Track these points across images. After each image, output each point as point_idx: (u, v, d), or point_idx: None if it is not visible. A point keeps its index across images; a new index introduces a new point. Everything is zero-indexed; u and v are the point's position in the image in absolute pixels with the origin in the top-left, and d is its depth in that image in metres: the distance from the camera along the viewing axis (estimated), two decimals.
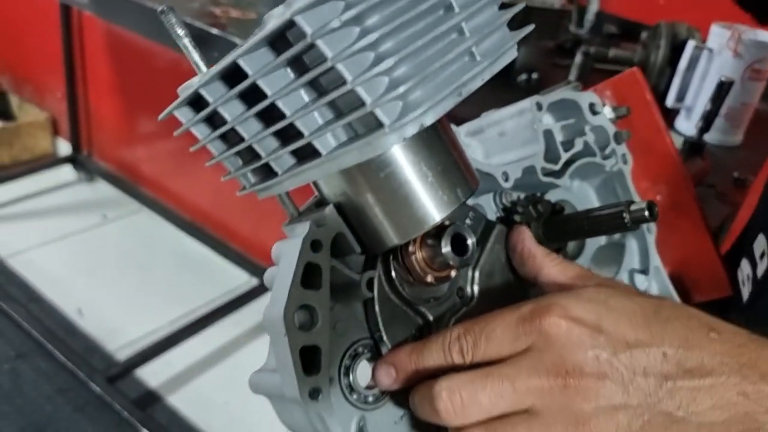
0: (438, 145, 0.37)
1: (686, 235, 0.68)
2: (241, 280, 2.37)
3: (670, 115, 1.23)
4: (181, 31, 0.37)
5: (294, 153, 0.36)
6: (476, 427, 0.37)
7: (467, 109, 0.52)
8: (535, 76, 1.21)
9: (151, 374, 1.99)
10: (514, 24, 0.36)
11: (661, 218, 0.71)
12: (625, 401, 0.36)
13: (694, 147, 0.86)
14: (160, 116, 0.40)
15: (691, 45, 1.20)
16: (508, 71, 0.54)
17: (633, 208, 0.45)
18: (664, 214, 0.71)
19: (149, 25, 1.41)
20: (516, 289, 0.47)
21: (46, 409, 1.84)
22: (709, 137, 1.03)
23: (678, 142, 0.88)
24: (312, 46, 0.30)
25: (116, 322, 2.16)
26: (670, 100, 1.22)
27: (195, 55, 0.38)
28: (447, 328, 0.41)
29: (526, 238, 0.46)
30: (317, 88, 0.33)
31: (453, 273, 0.43)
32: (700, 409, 0.35)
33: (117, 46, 2.62)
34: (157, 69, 2.37)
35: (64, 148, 2.99)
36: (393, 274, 0.42)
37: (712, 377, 0.35)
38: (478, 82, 0.34)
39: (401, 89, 0.30)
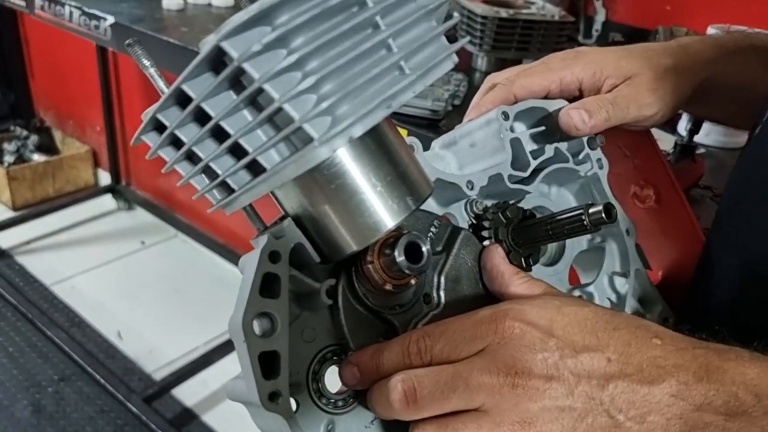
0: (386, 156, 0.39)
1: (677, 237, 0.68)
2: None
3: (672, 119, 1.20)
4: (146, 62, 0.41)
5: (249, 170, 0.39)
6: (429, 423, 0.39)
7: None
8: None
9: (188, 393, 2.04)
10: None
11: (652, 221, 0.71)
12: (570, 404, 0.37)
13: (684, 149, 0.86)
14: (132, 141, 0.43)
15: None
16: None
17: (591, 210, 0.45)
18: (655, 218, 0.71)
19: (171, 59, 1.47)
20: (483, 295, 0.48)
21: (88, 431, 1.90)
22: (711, 139, 1.02)
23: (670, 144, 0.88)
24: (242, 69, 0.32)
25: (154, 344, 2.23)
26: None
27: (161, 83, 0.41)
28: (409, 331, 0.42)
29: (495, 256, 0.47)
30: (259, 108, 0.36)
31: (412, 281, 0.44)
32: (639, 413, 0.36)
33: (150, 82, 2.72)
34: None
35: (105, 178, 3.13)
36: (355, 284, 0.44)
37: (648, 383, 0.36)
38: (409, 94, 0.35)
39: (324, 105, 0.32)
